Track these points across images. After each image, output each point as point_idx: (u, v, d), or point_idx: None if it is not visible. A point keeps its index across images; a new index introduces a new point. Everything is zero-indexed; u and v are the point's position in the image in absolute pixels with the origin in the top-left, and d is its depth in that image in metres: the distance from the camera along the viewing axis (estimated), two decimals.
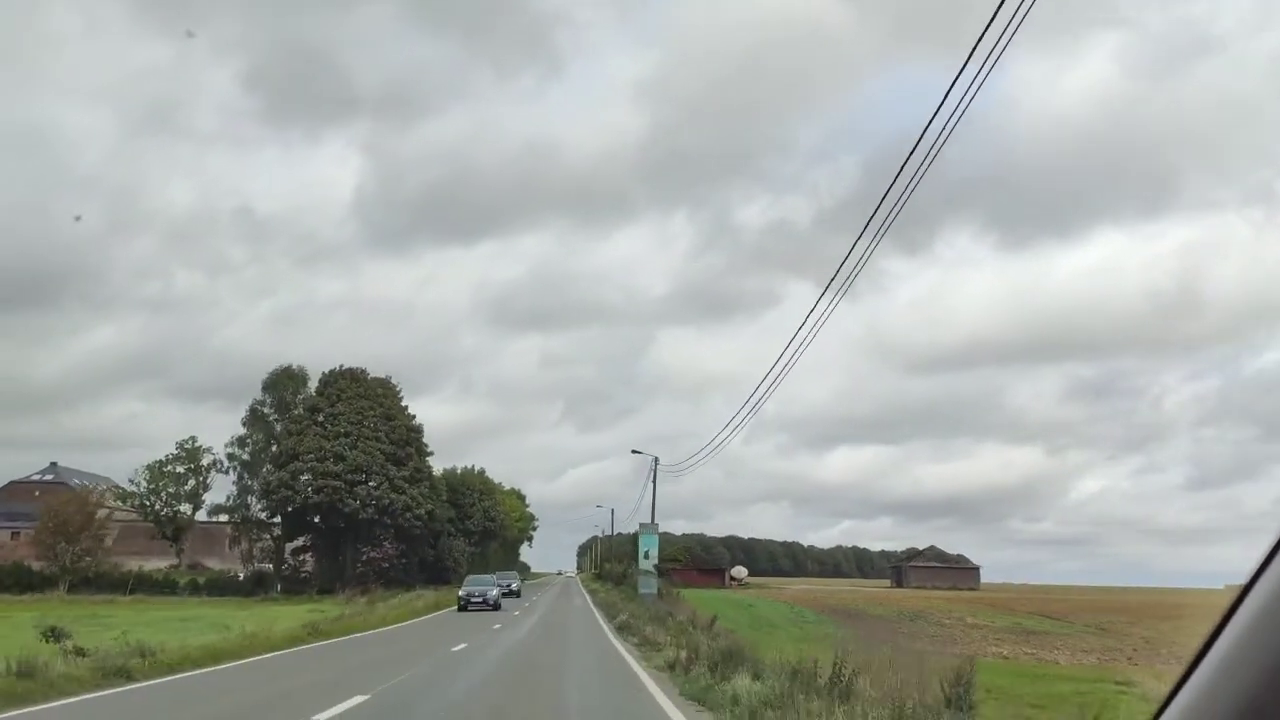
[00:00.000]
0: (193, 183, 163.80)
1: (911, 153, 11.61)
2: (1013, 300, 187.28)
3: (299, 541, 68.67)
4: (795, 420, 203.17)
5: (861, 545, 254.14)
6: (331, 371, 67.22)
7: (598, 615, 41.12)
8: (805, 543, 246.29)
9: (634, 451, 52.20)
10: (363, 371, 67.56)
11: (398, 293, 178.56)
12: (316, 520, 65.81)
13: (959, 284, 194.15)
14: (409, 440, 66.55)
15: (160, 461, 66.93)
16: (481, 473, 79.51)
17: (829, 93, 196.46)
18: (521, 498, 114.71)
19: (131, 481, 68.78)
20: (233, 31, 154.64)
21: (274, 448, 65.26)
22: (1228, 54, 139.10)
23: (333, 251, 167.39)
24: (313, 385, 67.53)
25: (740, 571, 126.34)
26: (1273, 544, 1.27)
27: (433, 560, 70.20)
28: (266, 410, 67.77)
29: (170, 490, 67.22)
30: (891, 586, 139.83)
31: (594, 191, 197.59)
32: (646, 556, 51.15)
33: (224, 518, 68.05)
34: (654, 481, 52.45)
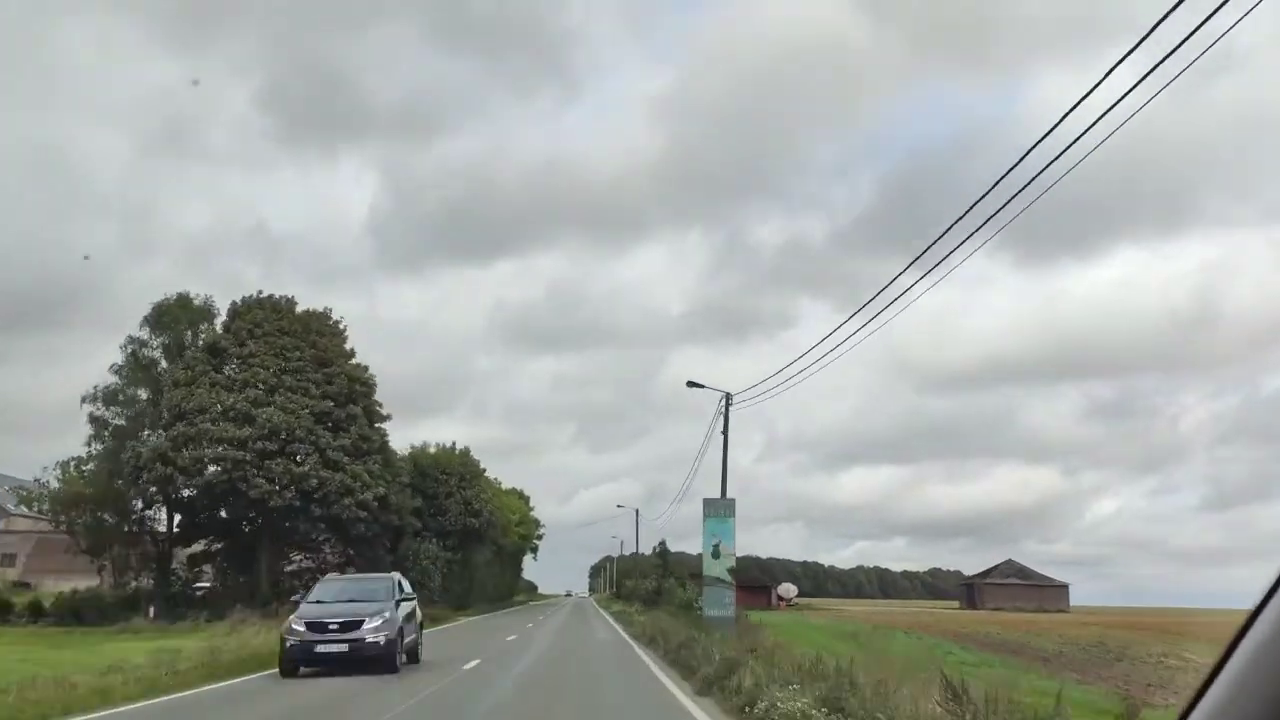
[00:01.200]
0: (207, 203, 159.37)
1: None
2: (1030, 318, 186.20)
3: (200, 545, 48.13)
4: (810, 440, 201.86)
5: (883, 565, 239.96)
6: (244, 300, 46.78)
7: (660, 673, 20.07)
8: (824, 563, 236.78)
9: (691, 384, 32.32)
10: (289, 301, 47.11)
11: (412, 313, 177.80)
12: (221, 513, 45.29)
13: (975, 302, 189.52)
14: (353, 396, 45.95)
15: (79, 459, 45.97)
16: (465, 452, 58.63)
17: (846, 109, 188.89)
18: (524, 499, 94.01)
19: (38, 480, 48.14)
20: (248, 51, 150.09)
21: (158, 407, 44.69)
22: (1249, 69, 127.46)
23: (348, 271, 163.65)
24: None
25: (789, 590, 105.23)
26: None
27: (391, 569, 49.40)
28: (151, 352, 47.26)
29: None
30: (962, 608, 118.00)
31: (610, 210, 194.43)
32: (717, 555, 30.31)
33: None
34: (725, 428, 31.65)
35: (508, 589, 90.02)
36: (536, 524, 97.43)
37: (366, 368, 48.02)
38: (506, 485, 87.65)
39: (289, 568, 48.53)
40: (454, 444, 58.23)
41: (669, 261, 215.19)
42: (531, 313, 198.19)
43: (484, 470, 59.98)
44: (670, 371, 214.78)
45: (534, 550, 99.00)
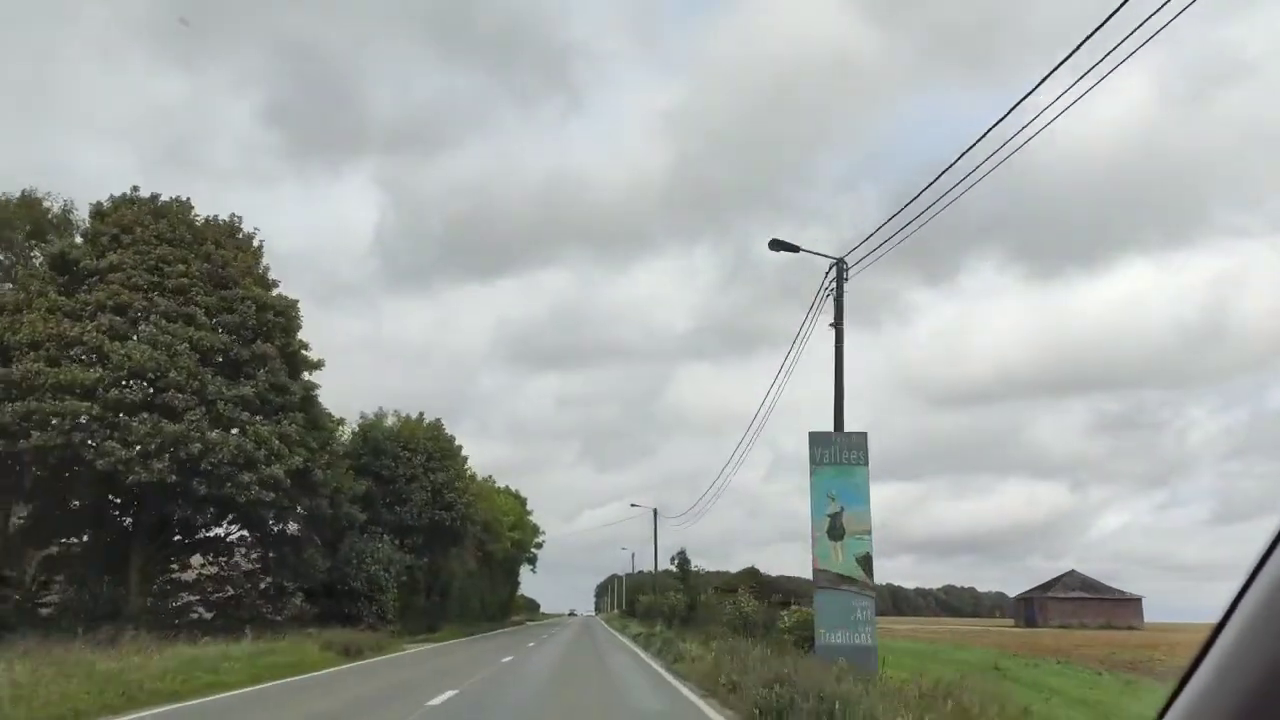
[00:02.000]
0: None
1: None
2: (1037, 333, 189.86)
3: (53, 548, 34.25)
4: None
5: (894, 583, 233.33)
6: (113, 200, 33.13)
7: None
8: None
9: (776, 244, 19.84)
10: (181, 203, 33.48)
11: (416, 330, 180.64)
12: (71, 498, 31.55)
13: (983, 316, 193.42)
14: (264, 331, 32.31)
15: None
16: (435, 425, 44.65)
17: (854, 123, 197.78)
18: (520, 500, 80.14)
19: None
20: (252, 67, 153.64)
21: None
22: (1258, 81, 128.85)
23: (351, 289, 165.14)
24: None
25: None
26: (1268, 543, 1.32)
27: (330, 582, 35.53)
28: None
29: None
30: (1018, 625, 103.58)
31: (616, 226, 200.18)
32: (838, 533, 16.34)
33: None
34: (838, 314, 17.86)
35: (499, 606, 76.11)
36: (536, 530, 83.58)
37: (292, 300, 34.39)
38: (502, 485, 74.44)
39: (183, 575, 34.83)
40: (420, 415, 44.28)
41: (674, 277, 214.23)
42: (536, 330, 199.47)
43: (461, 451, 45.89)
44: (675, 388, 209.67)
45: (532, 562, 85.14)
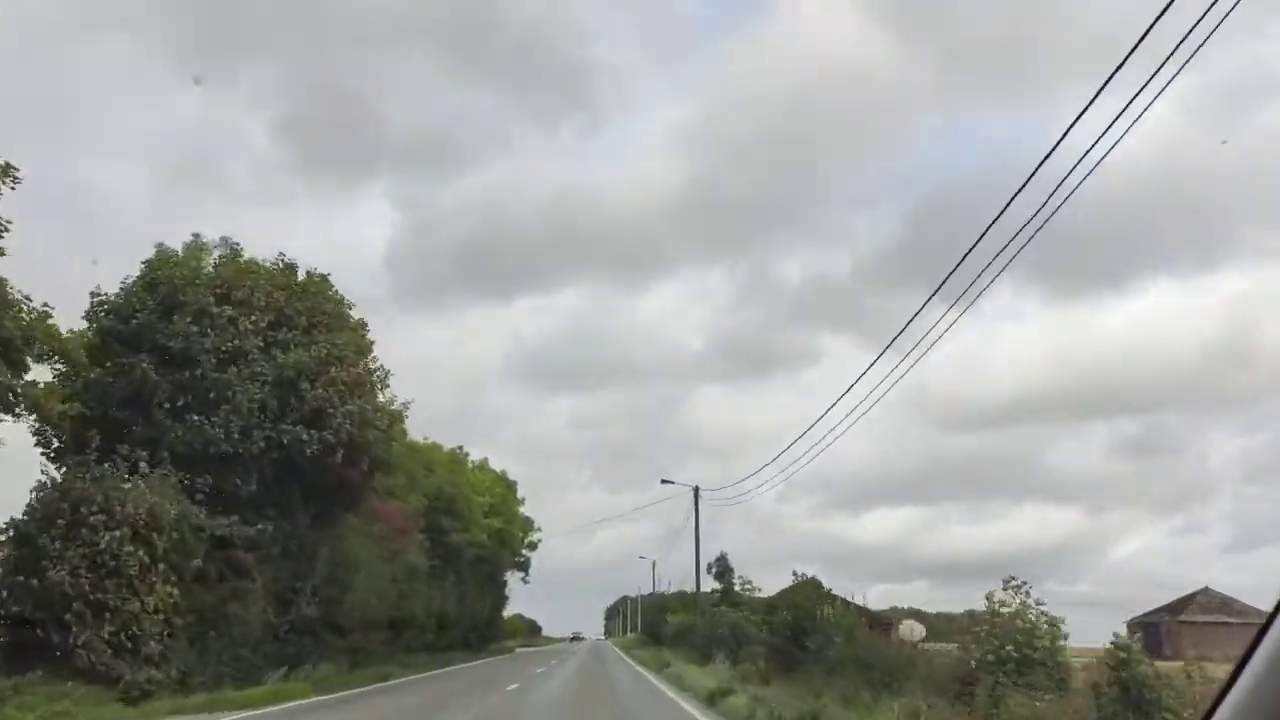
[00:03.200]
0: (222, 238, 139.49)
1: None
2: (1056, 354, 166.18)
3: None
4: (828, 479, 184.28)
5: (915, 607, 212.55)
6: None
7: None
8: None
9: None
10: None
11: (428, 348, 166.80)
12: None
13: (1001, 337, 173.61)
14: None
15: None
16: (322, 281, 23.45)
17: (874, 140, 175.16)
18: (508, 483, 58.92)
19: None
20: (266, 82, 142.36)
21: None
22: None
23: (364, 307, 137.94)
24: None
25: (914, 630, 69.84)
26: None
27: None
28: None
29: None
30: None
31: (630, 245, 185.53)
32: None
33: None
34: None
35: (472, 627, 54.76)
36: (529, 526, 62.37)
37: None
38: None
39: None
40: (285, 259, 23.02)
41: (690, 297, 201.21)
42: (549, 349, 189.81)
43: (370, 341, 24.51)
44: (690, 410, 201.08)
45: (523, 567, 63.86)
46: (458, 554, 45.42)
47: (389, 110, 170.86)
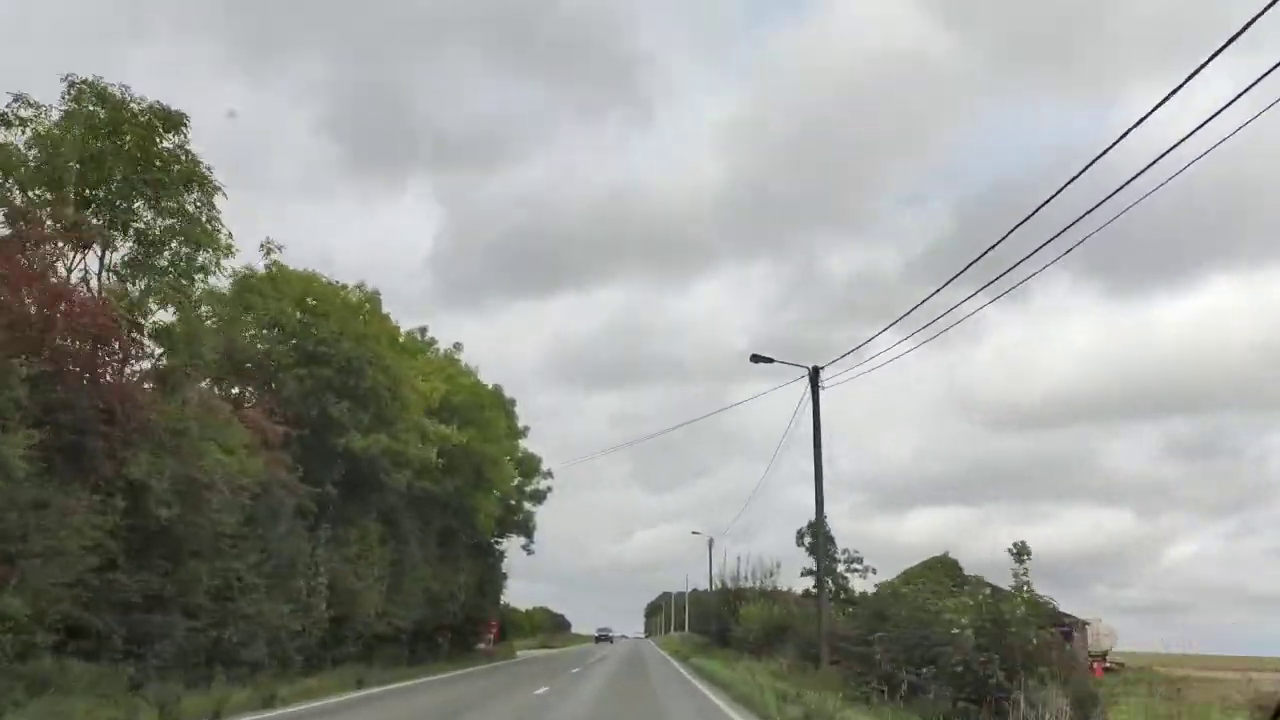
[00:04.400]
0: (269, 236, 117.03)
1: None
2: (1110, 352, 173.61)
3: None
4: (871, 480, 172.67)
5: None
6: None
7: None
8: None
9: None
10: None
11: (469, 346, 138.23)
12: None
13: (1054, 334, 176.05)
14: None
15: None
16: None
17: (923, 132, 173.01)
18: (508, 410, 37.54)
19: None
20: (311, 78, 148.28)
21: None
22: None
23: (407, 304, 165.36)
24: None
25: (1107, 634, 47.80)
26: None
27: None
28: None
29: None
30: None
31: (674, 240, 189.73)
32: None
33: None
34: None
35: (451, 619, 33.67)
36: (531, 466, 40.73)
37: None
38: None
39: None
40: None
41: (734, 294, 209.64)
42: (591, 347, 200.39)
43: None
44: (734, 409, 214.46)
45: (523, 529, 42.10)
46: (371, 480, 24.17)
47: (433, 106, 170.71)
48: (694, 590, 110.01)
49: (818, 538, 32.98)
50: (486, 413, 30.78)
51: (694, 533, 71.84)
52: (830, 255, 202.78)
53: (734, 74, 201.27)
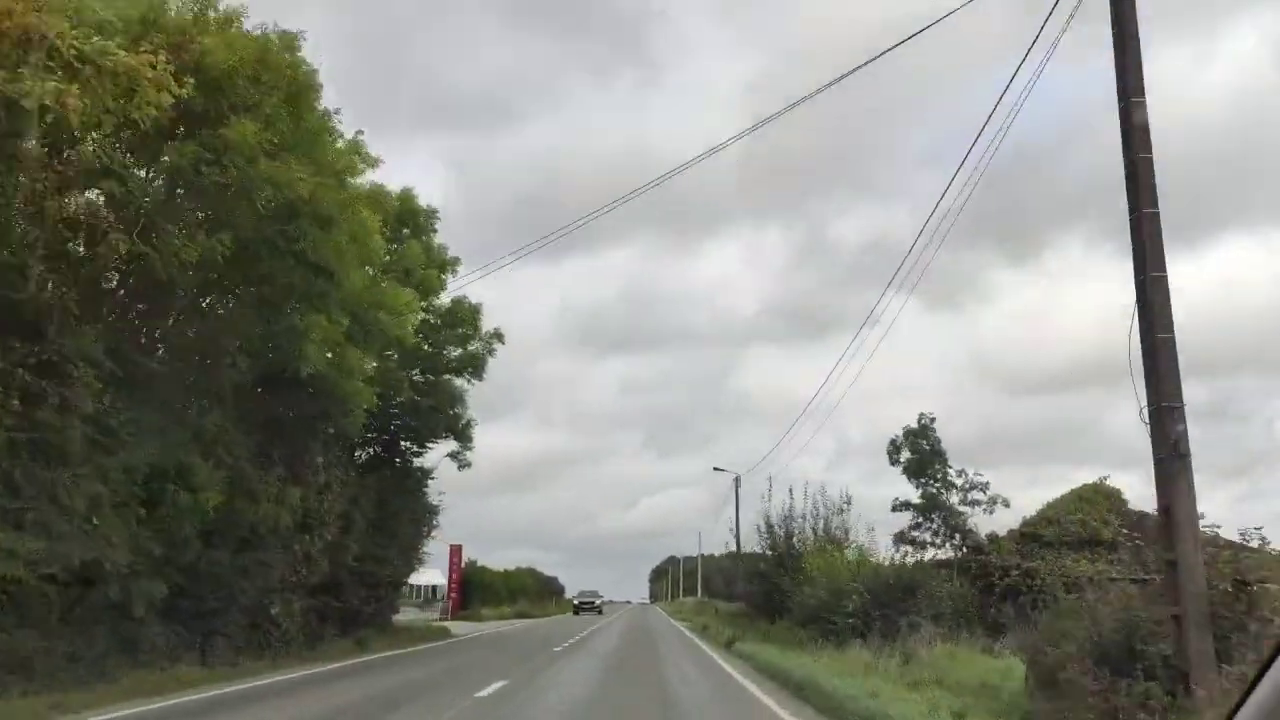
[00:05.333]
0: None
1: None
2: (1125, 316, 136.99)
3: None
4: (882, 445, 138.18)
5: None
6: None
7: None
8: None
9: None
10: None
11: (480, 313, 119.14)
12: None
13: (1068, 297, 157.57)
14: None
15: None
16: None
17: (940, 94, 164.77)
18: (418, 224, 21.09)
19: None
20: (314, 35, 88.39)
21: None
22: None
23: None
24: None
25: None
26: None
27: None
28: None
29: None
30: None
31: (686, 203, 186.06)
32: None
33: None
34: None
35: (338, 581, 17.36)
36: (466, 314, 24.40)
37: None
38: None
39: None
40: None
41: (746, 258, 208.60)
42: (601, 313, 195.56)
43: None
44: (744, 374, 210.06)
45: (471, 367, 25.17)
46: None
47: (441, 65, 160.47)
48: (704, 555, 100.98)
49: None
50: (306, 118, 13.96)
51: (716, 469, 55.27)
52: (843, 218, 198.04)
53: (748, 32, 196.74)
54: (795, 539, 29.92)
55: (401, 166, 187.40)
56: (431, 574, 59.39)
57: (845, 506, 29.58)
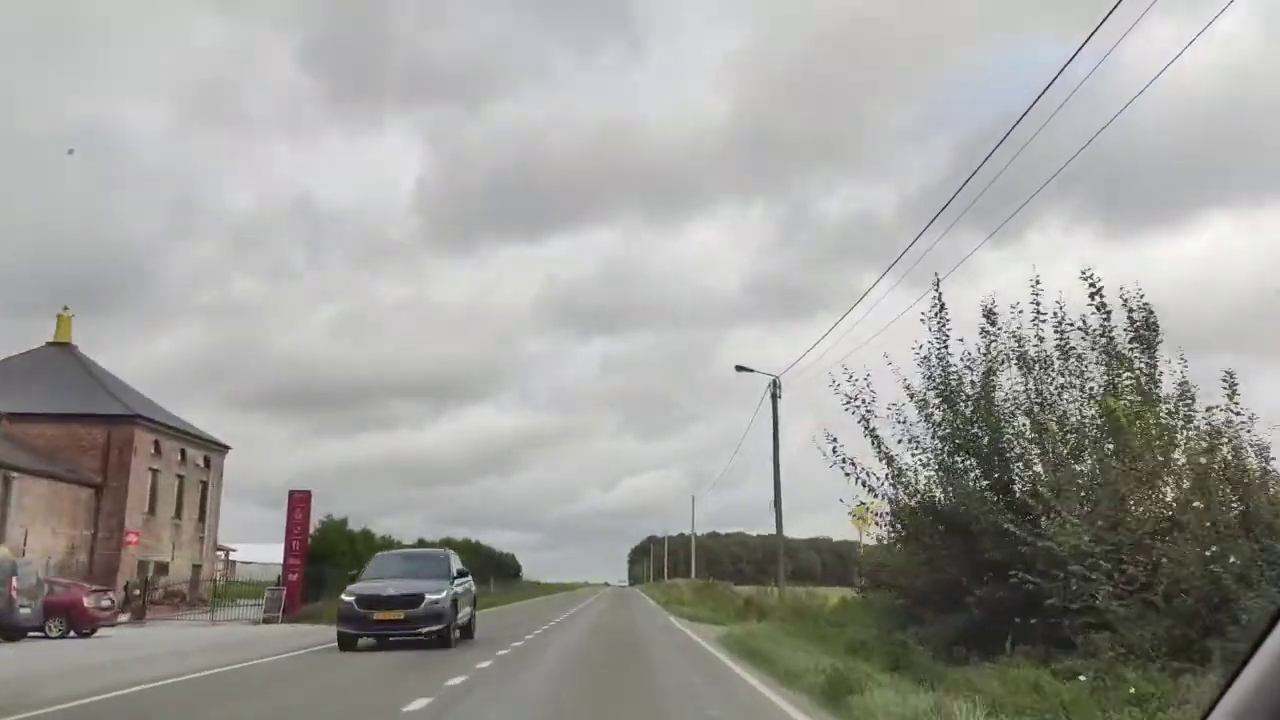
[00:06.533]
0: (251, 176, 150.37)
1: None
2: (1107, 294, 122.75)
3: None
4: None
5: None
6: None
7: None
8: None
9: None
10: None
11: (460, 292, 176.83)
12: None
13: (1050, 278, 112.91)
14: None
15: None
16: None
17: (926, 69, 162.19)
18: None
19: None
20: (292, 8, 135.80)
21: None
22: None
23: (394, 248, 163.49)
24: None
25: None
26: None
27: None
28: None
29: None
30: None
31: (669, 180, 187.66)
32: None
33: None
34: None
35: None
36: None
37: None
38: None
39: None
40: None
41: (729, 236, 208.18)
42: (583, 291, 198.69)
43: None
44: (726, 353, 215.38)
45: None
46: None
47: (420, 36, 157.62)
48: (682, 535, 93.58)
49: None
50: None
51: (740, 368, 36.49)
52: (827, 196, 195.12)
53: (735, 6, 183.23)
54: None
55: (378, 142, 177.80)
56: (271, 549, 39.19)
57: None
